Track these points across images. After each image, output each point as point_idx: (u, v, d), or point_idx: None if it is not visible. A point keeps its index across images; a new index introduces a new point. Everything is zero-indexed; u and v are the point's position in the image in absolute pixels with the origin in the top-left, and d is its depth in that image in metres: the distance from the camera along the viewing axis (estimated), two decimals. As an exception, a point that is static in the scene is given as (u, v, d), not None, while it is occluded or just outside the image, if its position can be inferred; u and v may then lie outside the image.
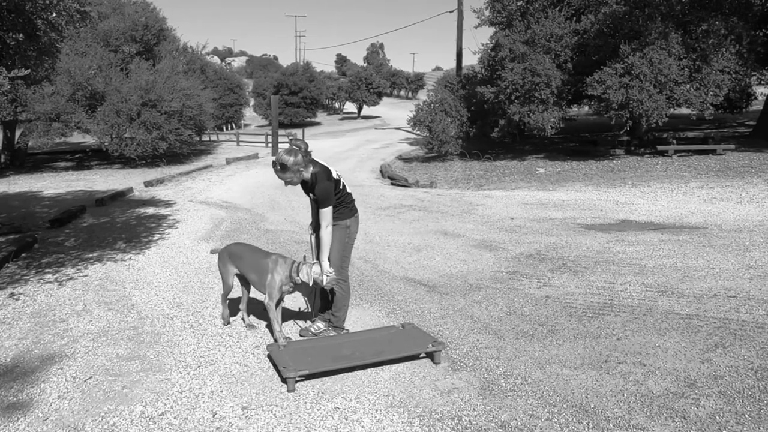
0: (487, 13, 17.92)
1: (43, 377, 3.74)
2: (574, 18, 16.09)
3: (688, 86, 13.90)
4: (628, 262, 6.12)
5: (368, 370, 3.77)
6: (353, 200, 4.39)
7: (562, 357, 3.91)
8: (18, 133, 18.77)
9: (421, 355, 3.95)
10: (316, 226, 4.33)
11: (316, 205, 4.17)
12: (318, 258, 4.23)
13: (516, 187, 12.39)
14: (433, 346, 3.89)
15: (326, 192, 4.04)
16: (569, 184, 12.24)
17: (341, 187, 4.24)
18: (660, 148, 14.98)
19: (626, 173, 12.93)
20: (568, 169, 14.23)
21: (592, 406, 3.27)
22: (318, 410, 3.29)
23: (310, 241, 4.52)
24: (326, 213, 4.07)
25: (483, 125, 17.74)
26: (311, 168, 4.08)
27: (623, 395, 3.37)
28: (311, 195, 4.22)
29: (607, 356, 3.89)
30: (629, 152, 15.77)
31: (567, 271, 5.94)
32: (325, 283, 4.02)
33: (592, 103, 15.70)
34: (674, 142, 15.76)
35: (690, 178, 11.77)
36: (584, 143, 18.53)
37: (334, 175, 4.17)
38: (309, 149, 4.10)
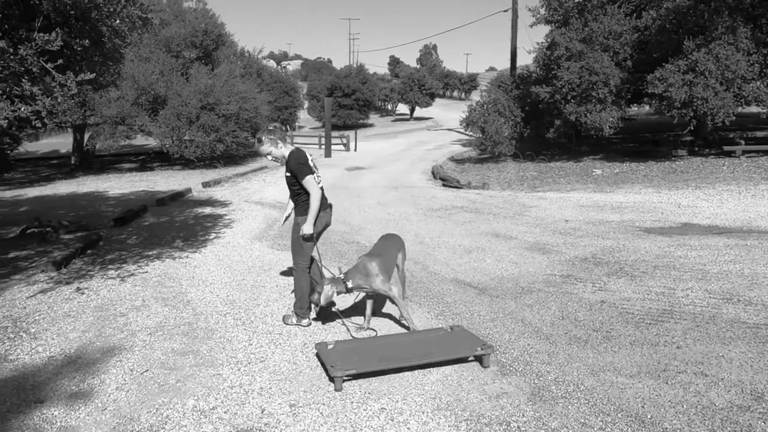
0: (542, 11, 17.55)
1: (103, 369, 3.90)
2: (635, 14, 15.54)
3: (758, 83, 13.18)
4: (690, 268, 5.84)
5: (415, 371, 3.74)
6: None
7: (617, 364, 3.76)
8: (86, 136, 19.76)
9: (470, 358, 3.89)
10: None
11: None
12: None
13: (571, 188, 12.06)
14: (481, 349, 3.82)
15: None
16: (628, 185, 11.82)
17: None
18: (726, 148, 14.27)
19: (689, 175, 12.38)
20: (626, 170, 13.75)
21: (648, 416, 3.13)
22: (364, 410, 3.29)
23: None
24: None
25: (537, 126, 17.38)
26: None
27: (683, 406, 3.21)
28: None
29: (665, 365, 3.72)
30: (693, 153, 15.08)
31: (624, 275, 5.73)
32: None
33: (653, 102, 15.07)
34: (742, 142, 14.97)
35: (759, 180, 11.14)
36: (644, 143, 17.87)
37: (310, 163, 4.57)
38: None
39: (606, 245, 6.99)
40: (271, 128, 4.89)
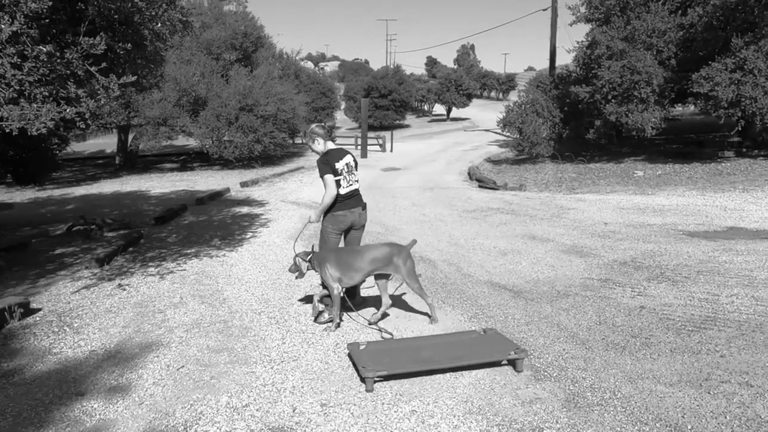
0: (582, 9, 17.24)
1: (141, 364, 3.99)
2: (680, 11, 15.11)
3: (811, 82, 12.61)
4: (736, 273, 5.63)
5: (447, 374, 3.71)
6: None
7: (656, 372, 3.65)
8: (130, 136, 20.36)
9: (503, 362, 3.83)
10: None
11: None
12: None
13: (611, 190, 11.80)
14: (515, 353, 3.76)
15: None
16: (671, 188, 11.48)
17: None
18: (777, 149, 13.72)
19: (736, 177, 11.95)
20: (670, 172, 13.36)
21: (689, 427, 3.02)
22: (395, 412, 3.28)
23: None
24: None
25: (577, 126, 17.07)
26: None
27: (725, 417, 3.09)
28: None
29: (708, 374, 3.59)
30: (740, 154, 14.56)
31: (665, 280, 5.56)
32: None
33: (698, 101, 14.63)
34: (794, 143, 14.37)
35: (812, 182, 10.68)
36: (689, 144, 17.35)
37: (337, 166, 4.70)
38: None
39: (647, 249, 6.80)
40: (322, 124, 4.92)
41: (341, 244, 5.00)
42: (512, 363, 3.79)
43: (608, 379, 3.59)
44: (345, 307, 4.76)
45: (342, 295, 4.54)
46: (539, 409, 3.26)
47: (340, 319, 4.64)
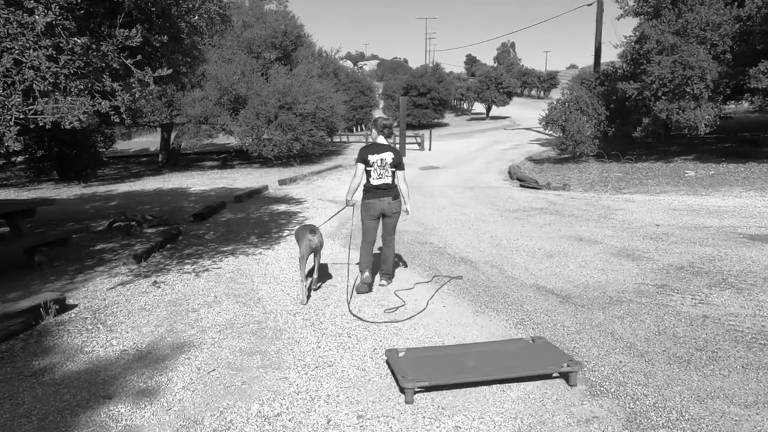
0: (630, 2, 16.55)
1: (172, 366, 3.85)
2: (736, 3, 14.32)
3: None
4: (809, 281, 5.16)
5: (494, 386, 3.44)
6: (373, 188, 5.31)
7: (728, 391, 3.29)
8: (173, 135, 20.64)
9: (554, 375, 3.54)
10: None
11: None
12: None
13: (661, 191, 11.23)
14: (568, 365, 3.46)
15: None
16: (726, 188, 10.86)
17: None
18: (843, 148, 12.85)
19: (799, 177, 11.22)
20: (724, 171, 12.67)
21: (770, 456, 2.68)
22: (437, 427, 3.02)
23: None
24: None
25: (623, 124, 16.43)
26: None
27: (813, 447, 2.73)
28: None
29: (787, 394, 3.21)
30: (802, 153, 13.71)
31: (729, 287, 5.14)
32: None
33: (756, 97, 13.84)
34: None
35: None
36: (743, 143, 16.48)
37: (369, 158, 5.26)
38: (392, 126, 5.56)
39: (705, 253, 6.35)
40: (380, 120, 5.50)
41: (379, 230, 5.52)
42: (564, 376, 3.49)
43: (673, 397, 3.26)
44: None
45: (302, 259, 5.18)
46: (597, 430, 2.96)
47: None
